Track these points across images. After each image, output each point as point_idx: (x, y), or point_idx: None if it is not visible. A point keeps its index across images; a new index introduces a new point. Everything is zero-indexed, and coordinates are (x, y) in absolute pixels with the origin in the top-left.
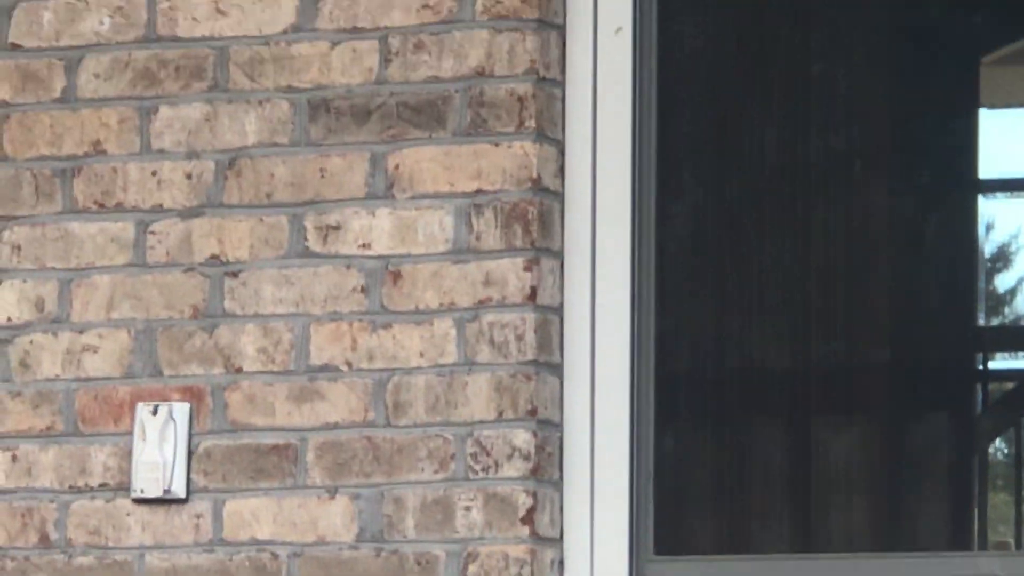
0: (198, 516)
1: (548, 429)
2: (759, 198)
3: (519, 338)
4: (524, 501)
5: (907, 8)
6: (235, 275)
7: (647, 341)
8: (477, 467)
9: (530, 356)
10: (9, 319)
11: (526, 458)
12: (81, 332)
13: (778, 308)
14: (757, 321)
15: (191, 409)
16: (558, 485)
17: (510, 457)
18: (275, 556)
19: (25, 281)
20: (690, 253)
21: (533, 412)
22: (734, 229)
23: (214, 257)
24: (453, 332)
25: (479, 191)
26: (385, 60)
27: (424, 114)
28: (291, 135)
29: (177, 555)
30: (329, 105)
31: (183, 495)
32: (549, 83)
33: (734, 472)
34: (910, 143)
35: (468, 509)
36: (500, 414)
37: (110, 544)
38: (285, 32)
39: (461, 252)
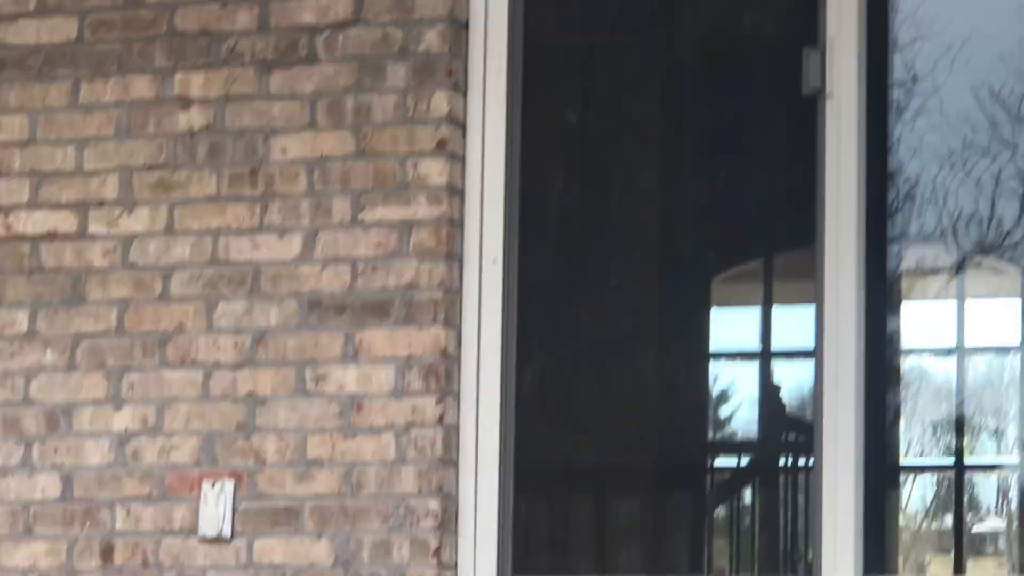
0: (238, 549)
1: None
2: None
3: None
4: None
5: (653, 238)
6: None
7: None
8: None
9: None
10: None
11: None
12: (170, 437)
13: None
14: None
15: (235, 484)
16: None
17: None
18: (284, 574)
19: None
20: None
21: None
22: None
23: None
24: None
25: None
26: None
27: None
28: None
29: (226, 573)
30: None
31: (229, 536)
32: (453, 293)
33: None
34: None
35: None
36: None
37: (186, 566)
38: None
39: None
